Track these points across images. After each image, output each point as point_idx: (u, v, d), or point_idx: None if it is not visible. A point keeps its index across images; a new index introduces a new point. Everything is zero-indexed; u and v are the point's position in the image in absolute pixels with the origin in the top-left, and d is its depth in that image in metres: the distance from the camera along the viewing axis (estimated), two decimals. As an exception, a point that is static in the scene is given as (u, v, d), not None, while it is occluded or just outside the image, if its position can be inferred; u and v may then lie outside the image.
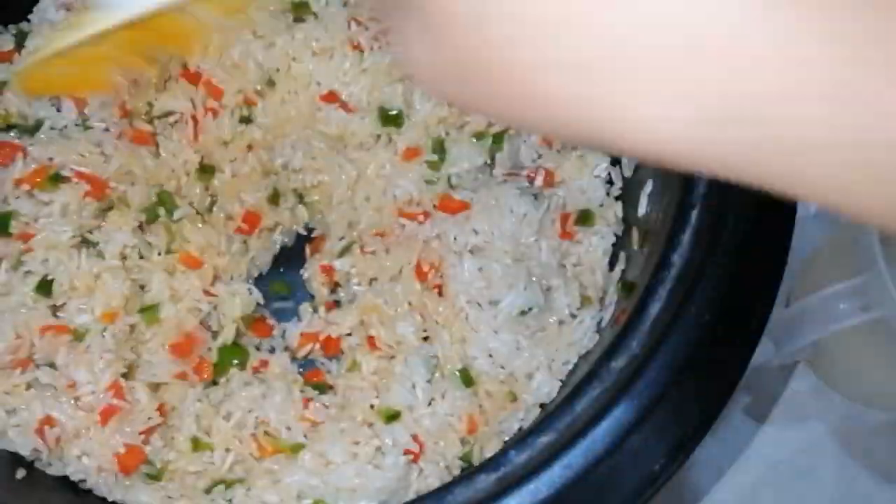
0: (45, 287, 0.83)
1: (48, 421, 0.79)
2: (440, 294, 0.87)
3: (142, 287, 0.87)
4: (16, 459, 0.81)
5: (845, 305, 0.85)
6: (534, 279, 0.86)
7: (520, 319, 0.85)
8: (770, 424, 1.06)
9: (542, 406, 0.83)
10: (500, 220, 0.87)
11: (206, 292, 0.87)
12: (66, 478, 0.81)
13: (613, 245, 0.91)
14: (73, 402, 0.79)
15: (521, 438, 0.64)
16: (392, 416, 0.80)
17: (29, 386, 0.81)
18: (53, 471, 0.81)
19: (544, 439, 0.63)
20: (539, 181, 0.94)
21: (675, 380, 0.63)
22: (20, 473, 0.80)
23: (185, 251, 0.88)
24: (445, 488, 0.63)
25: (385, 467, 0.77)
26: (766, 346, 0.92)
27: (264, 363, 0.87)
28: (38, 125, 0.91)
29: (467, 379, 0.83)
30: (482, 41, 0.33)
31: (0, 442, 0.80)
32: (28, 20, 1.00)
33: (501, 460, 0.63)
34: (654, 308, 0.66)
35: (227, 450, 0.82)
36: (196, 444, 0.82)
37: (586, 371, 0.67)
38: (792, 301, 1.00)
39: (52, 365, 0.81)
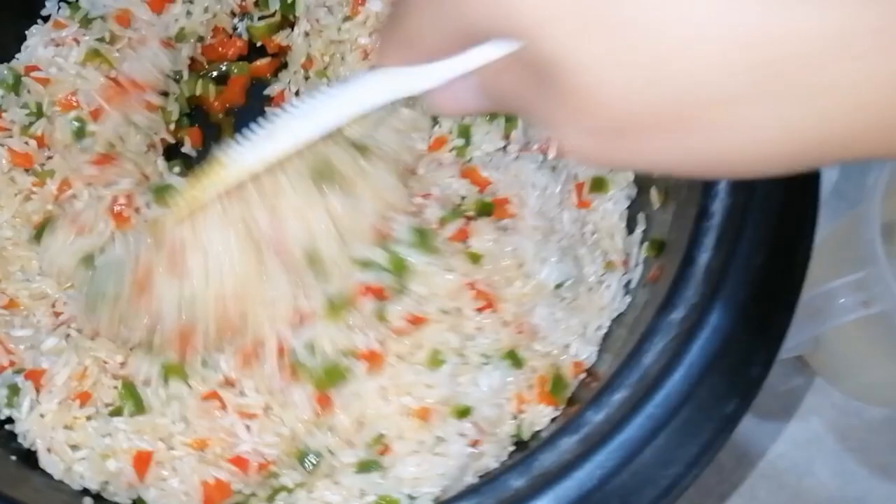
0: None
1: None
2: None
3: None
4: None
5: (846, 300, 0.86)
6: (565, 251, 0.87)
7: (556, 292, 0.86)
8: (769, 420, 1.08)
9: (587, 372, 0.85)
10: (524, 195, 0.88)
11: None
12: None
13: (628, 208, 0.93)
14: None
15: (595, 398, 0.66)
16: (463, 412, 0.80)
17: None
18: (120, 499, 0.81)
19: (618, 396, 0.65)
20: (552, 153, 0.95)
21: (737, 323, 0.65)
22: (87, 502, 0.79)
23: None
24: (530, 455, 0.65)
25: (449, 455, 0.77)
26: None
27: None
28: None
29: (516, 361, 0.84)
30: (637, 105, 0.35)
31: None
32: (17, 58, 0.99)
33: (581, 421, 0.65)
34: (703, 258, 0.68)
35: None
36: None
37: (645, 328, 0.69)
38: None
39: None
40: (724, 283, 0.66)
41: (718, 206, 0.69)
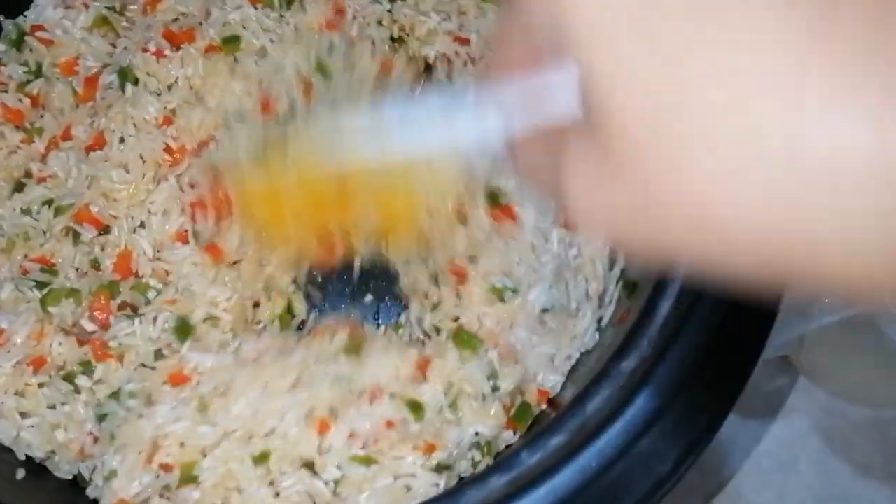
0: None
1: None
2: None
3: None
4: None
5: (831, 300, 0.86)
6: (557, 275, 0.86)
7: (540, 317, 0.85)
8: (753, 419, 1.07)
9: (549, 401, 0.84)
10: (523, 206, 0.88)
11: None
12: (72, 480, 0.81)
13: (613, 241, 0.92)
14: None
15: (533, 439, 0.64)
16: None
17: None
18: (62, 473, 0.81)
19: (556, 440, 0.63)
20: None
21: (686, 380, 0.63)
22: (20, 474, 0.79)
23: None
24: (457, 489, 0.63)
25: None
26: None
27: None
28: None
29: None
30: (676, 171, 0.32)
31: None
32: (24, 16, 0.99)
33: (514, 461, 0.63)
34: (664, 307, 0.67)
35: None
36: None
37: (596, 371, 0.67)
38: None
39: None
40: (679, 339, 0.64)
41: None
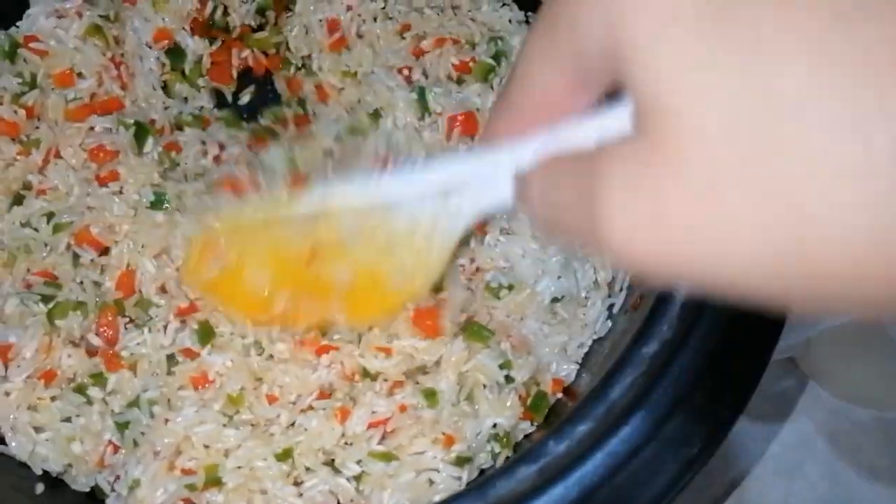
0: None
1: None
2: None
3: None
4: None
5: None
6: (565, 266, 0.87)
7: (550, 307, 0.86)
8: (759, 421, 1.08)
9: (565, 390, 0.84)
10: None
11: None
12: (90, 492, 0.81)
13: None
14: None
15: (558, 428, 0.64)
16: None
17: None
18: (80, 486, 0.80)
19: (582, 428, 0.64)
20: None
21: (708, 363, 0.64)
22: (39, 489, 0.78)
23: None
24: (487, 481, 0.63)
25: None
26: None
27: None
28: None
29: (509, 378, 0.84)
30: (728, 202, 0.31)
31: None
32: (17, 26, 0.98)
33: (541, 451, 0.64)
34: (680, 293, 0.67)
35: None
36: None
37: (615, 358, 0.67)
38: None
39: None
40: (700, 321, 0.64)
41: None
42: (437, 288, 0.88)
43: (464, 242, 0.90)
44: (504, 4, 1.03)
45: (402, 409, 0.80)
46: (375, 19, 1.00)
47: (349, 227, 0.65)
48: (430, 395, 0.81)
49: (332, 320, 0.76)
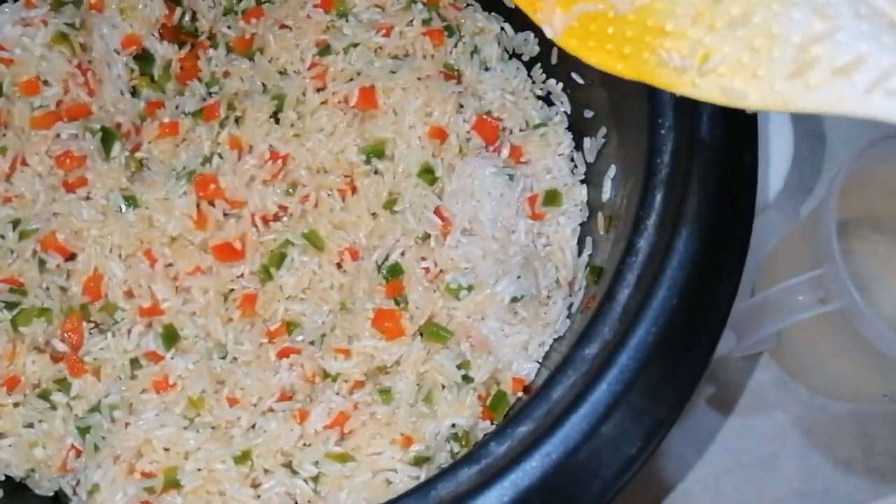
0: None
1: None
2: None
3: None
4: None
5: (804, 297, 0.87)
6: (525, 266, 0.88)
7: (510, 307, 0.86)
8: (734, 415, 1.08)
9: (525, 389, 0.85)
10: (479, 201, 0.89)
11: None
12: (54, 497, 0.82)
13: (581, 225, 0.93)
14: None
15: (501, 429, 0.65)
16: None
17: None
18: (43, 490, 0.82)
19: (523, 429, 0.64)
20: (505, 153, 0.95)
21: (648, 364, 0.64)
22: (-1, 494, 0.80)
23: None
24: (428, 483, 0.64)
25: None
26: (729, 337, 0.94)
27: None
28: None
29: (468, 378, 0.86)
30: None
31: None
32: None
33: (482, 452, 0.64)
34: (623, 294, 0.68)
35: None
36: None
37: (560, 359, 0.68)
38: (755, 294, 1.02)
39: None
40: (639, 323, 0.65)
41: (644, 244, 0.68)
42: (398, 290, 0.89)
43: (424, 241, 0.91)
44: None
45: (356, 406, 0.81)
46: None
47: None
48: (385, 393, 0.82)
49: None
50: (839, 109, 0.43)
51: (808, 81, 0.44)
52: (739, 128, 0.73)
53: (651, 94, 0.74)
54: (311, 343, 0.88)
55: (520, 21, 1.02)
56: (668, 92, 0.61)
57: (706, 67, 0.48)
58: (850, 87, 0.43)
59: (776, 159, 0.93)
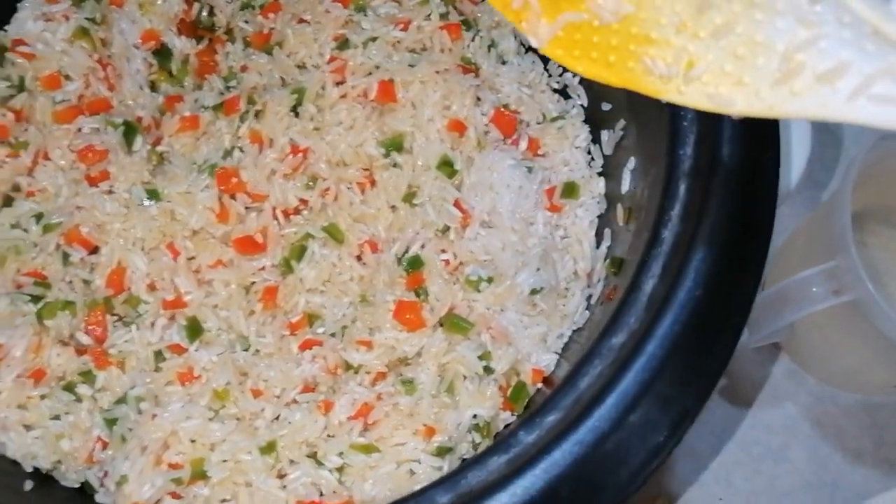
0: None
1: None
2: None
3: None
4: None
5: (818, 289, 0.87)
6: (544, 258, 0.89)
7: (529, 299, 0.87)
8: (745, 407, 1.09)
9: (545, 380, 0.86)
10: (498, 193, 0.89)
11: None
12: (80, 488, 0.83)
13: (599, 217, 0.94)
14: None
15: (529, 418, 0.66)
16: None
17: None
18: (69, 482, 0.83)
19: (551, 418, 0.65)
20: (523, 146, 0.96)
21: (675, 353, 0.65)
22: (27, 486, 0.80)
23: None
24: (458, 472, 0.65)
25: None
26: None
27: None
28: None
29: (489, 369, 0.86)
30: None
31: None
32: (5, 30, 1.00)
33: (511, 441, 0.65)
34: (649, 284, 0.68)
35: None
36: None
37: (587, 348, 0.69)
38: (767, 286, 1.02)
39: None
40: (665, 312, 0.66)
41: (669, 234, 0.69)
42: (418, 282, 0.90)
43: (444, 234, 0.92)
44: None
45: (379, 397, 0.81)
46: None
47: None
48: (408, 384, 0.83)
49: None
50: (824, 115, 0.45)
51: (792, 88, 0.45)
52: (762, 119, 0.73)
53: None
54: (333, 335, 0.89)
55: None
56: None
57: (691, 75, 0.48)
58: (834, 94, 0.44)
59: (795, 151, 0.94)
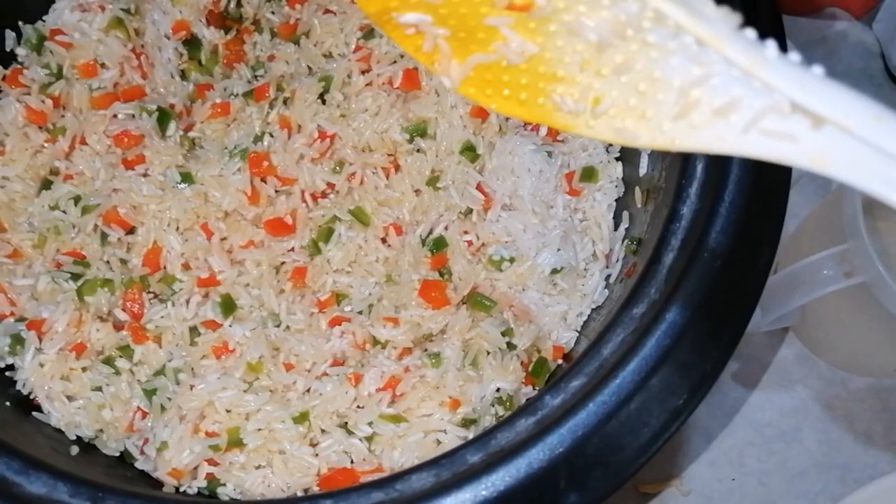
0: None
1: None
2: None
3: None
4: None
5: (829, 272, 0.89)
6: (564, 239, 0.92)
7: (550, 278, 0.91)
8: (757, 389, 1.12)
9: (565, 356, 0.89)
10: (519, 177, 0.93)
11: None
12: (119, 456, 0.87)
13: (617, 201, 0.97)
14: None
15: (555, 384, 0.69)
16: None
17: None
18: (110, 450, 0.87)
19: (576, 383, 0.69)
20: (543, 131, 1.00)
21: (693, 321, 0.68)
22: (74, 451, 0.84)
23: None
24: (488, 433, 0.68)
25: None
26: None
27: None
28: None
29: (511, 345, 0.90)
30: None
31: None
32: (43, 21, 1.04)
33: (538, 404, 0.68)
34: (668, 258, 0.72)
35: None
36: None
37: (609, 320, 0.72)
38: (778, 270, 1.05)
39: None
40: (684, 283, 0.69)
41: (687, 210, 0.72)
42: (442, 262, 0.93)
43: (466, 216, 0.95)
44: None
45: (407, 370, 0.85)
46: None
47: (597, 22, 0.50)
48: (435, 357, 0.87)
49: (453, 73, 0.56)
50: (720, 148, 0.46)
51: (691, 122, 0.47)
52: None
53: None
54: (360, 313, 0.92)
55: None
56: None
57: (598, 110, 0.50)
58: (729, 127, 0.45)
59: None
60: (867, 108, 0.42)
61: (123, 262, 0.94)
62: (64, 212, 0.95)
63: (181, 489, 0.84)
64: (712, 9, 0.45)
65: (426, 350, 0.89)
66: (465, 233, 0.95)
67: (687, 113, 0.47)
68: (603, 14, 0.48)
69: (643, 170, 0.92)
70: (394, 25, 0.55)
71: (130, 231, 0.95)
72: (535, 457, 0.65)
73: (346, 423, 0.85)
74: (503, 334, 0.89)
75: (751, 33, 0.45)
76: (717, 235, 0.70)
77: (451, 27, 0.54)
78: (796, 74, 0.43)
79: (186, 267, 0.94)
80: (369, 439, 0.85)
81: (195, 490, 0.84)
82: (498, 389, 0.87)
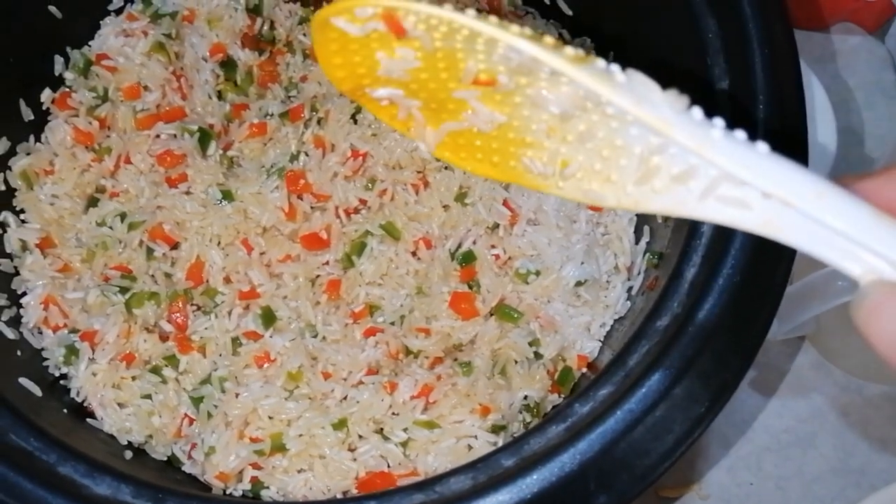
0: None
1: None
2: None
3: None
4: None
5: (844, 283, 0.91)
6: (588, 252, 0.97)
7: (574, 290, 0.96)
8: (774, 397, 1.15)
9: (589, 365, 0.93)
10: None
11: None
12: (167, 460, 0.92)
13: (637, 216, 1.01)
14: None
15: (583, 392, 0.74)
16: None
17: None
18: (158, 455, 0.92)
19: (604, 392, 0.73)
20: None
21: (715, 333, 0.72)
22: (128, 455, 0.89)
23: None
24: (522, 439, 0.73)
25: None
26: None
27: None
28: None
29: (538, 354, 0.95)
30: None
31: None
32: (90, 46, 1.09)
33: (568, 412, 0.73)
34: (690, 273, 0.76)
35: None
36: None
37: (633, 331, 0.76)
38: (794, 281, 1.08)
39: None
40: (706, 297, 0.73)
41: (707, 228, 0.77)
42: (471, 275, 0.98)
43: (493, 231, 1.00)
44: None
45: (439, 378, 0.89)
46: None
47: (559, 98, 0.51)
48: (465, 366, 0.91)
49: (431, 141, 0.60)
50: (681, 212, 0.49)
51: (653, 186, 0.49)
52: (790, 123, 0.81)
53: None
54: (392, 323, 0.97)
55: (578, 27, 1.10)
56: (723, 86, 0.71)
57: (567, 173, 0.53)
58: (688, 193, 0.48)
59: (820, 150, 1.00)
60: (810, 183, 0.45)
61: (168, 276, 0.99)
62: (111, 228, 1.00)
63: (227, 492, 0.88)
64: (659, 94, 0.48)
65: (456, 359, 0.93)
66: (493, 247, 0.99)
67: (648, 178, 0.50)
68: (563, 90, 0.50)
69: (664, 186, 0.96)
70: (368, 99, 0.60)
71: (174, 246, 1.00)
72: (567, 461, 0.69)
73: (382, 429, 0.90)
74: (530, 344, 0.94)
75: (698, 113, 0.47)
76: (736, 252, 0.74)
77: (423, 99, 0.57)
78: (740, 153, 0.46)
79: (228, 280, 0.98)
80: (404, 444, 0.89)
81: (240, 493, 0.88)
82: (526, 397, 0.92)
